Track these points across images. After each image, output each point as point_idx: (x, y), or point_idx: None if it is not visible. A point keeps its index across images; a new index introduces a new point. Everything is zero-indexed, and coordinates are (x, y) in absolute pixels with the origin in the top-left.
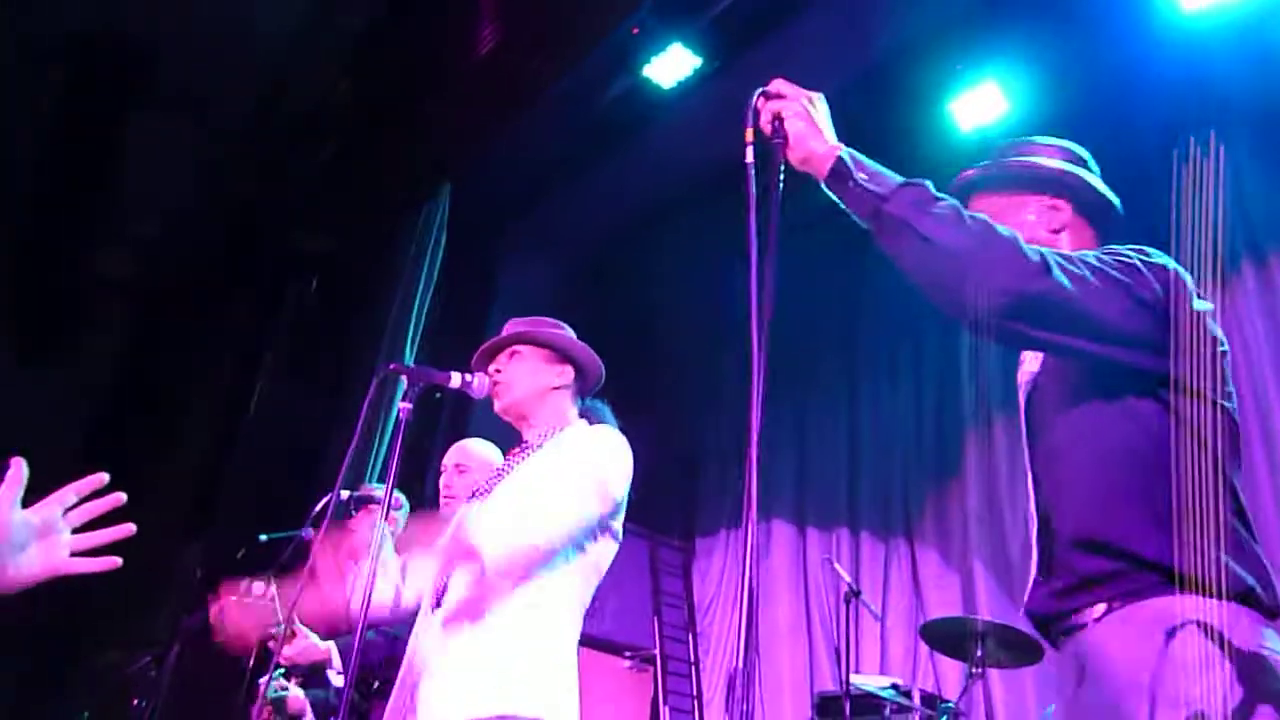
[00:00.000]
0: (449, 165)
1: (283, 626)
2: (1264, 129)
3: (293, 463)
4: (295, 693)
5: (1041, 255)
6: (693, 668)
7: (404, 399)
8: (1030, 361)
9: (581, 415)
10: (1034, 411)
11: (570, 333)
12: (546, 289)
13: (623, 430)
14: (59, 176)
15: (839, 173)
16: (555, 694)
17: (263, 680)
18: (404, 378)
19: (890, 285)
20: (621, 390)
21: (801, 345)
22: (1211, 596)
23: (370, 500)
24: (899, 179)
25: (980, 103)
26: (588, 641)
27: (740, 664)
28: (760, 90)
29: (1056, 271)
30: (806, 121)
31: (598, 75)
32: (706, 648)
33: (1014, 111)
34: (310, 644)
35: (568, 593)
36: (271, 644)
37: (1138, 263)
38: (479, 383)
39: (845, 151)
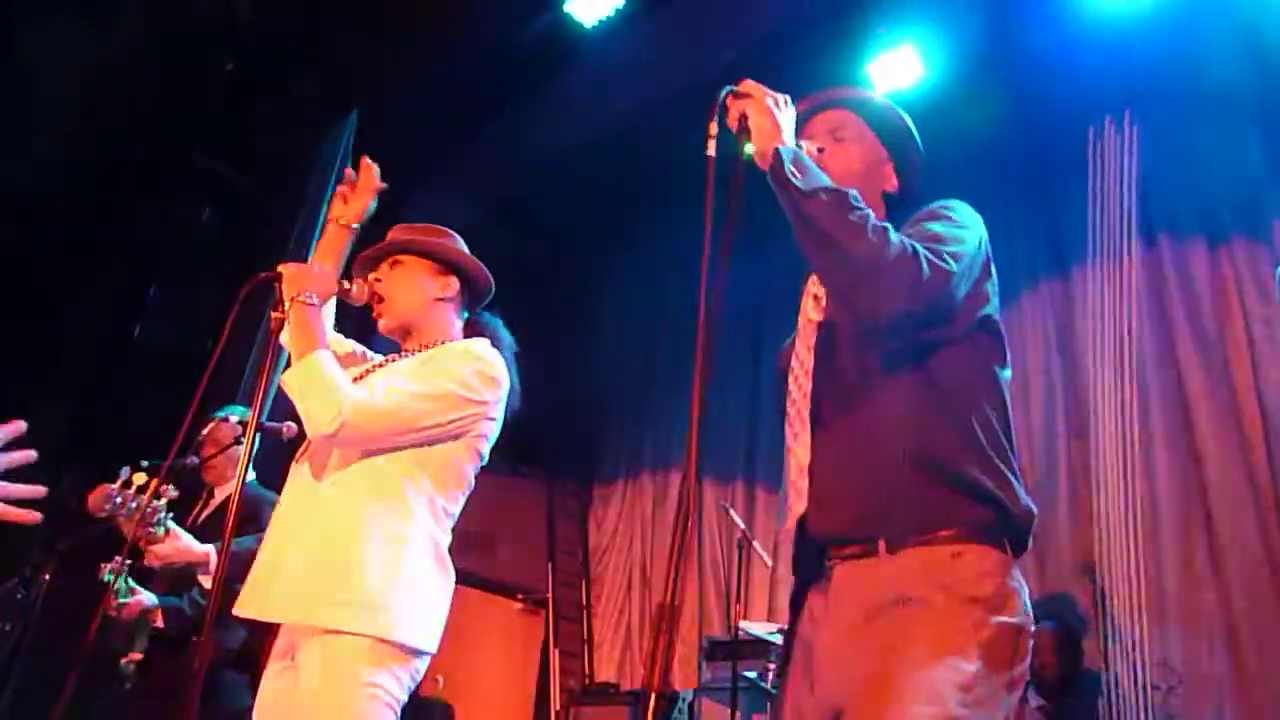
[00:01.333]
0: (356, 93)
1: (160, 522)
2: (1179, 107)
3: (180, 387)
4: (140, 596)
5: (934, 267)
6: (584, 612)
7: (274, 308)
8: (813, 309)
9: (469, 328)
10: (827, 352)
11: (460, 243)
12: (455, 227)
13: (522, 369)
14: None
15: (774, 166)
16: (396, 611)
17: (107, 566)
18: (276, 285)
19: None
20: (525, 334)
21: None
22: (983, 541)
23: (262, 430)
24: (825, 182)
25: (897, 66)
26: (480, 583)
27: (668, 598)
28: (729, 89)
29: (946, 282)
30: (770, 119)
31: (517, 7)
32: (599, 593)
33: (930, 77)
34: (185, 544)
35: (420, 495)
36: (143, 544)
37: (977, 239)
38: (358, 289)
39: (787, 149)
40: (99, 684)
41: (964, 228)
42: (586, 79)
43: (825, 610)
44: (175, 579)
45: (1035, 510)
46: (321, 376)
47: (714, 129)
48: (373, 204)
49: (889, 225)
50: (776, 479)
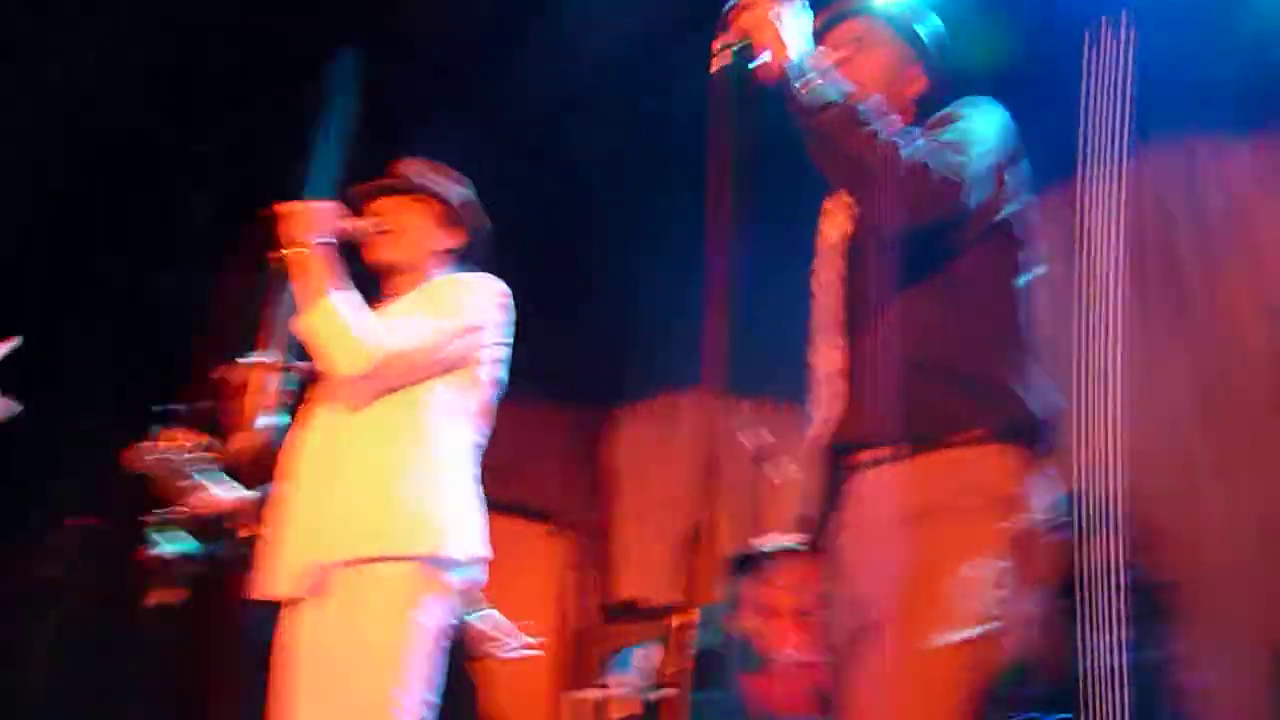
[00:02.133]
0: (356, 26)
1: (189, 475)
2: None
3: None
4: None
5: (944, 179)
6: (606, 533)
7: (274, 250)
8: (836, 222)
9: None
10: (852, 262)
11: (472, 193)
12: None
13: (540, 297)
14: None
15: (784, 82)
16: (440, 528)
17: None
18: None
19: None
20: (544, 259)
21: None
22: (1006, 440)
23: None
24: (833, 96)
25: None
26: (504, 507)
27: (701, 517)
28: (733, 1)
29: (955, 193)
30: (774, 31)
31: None
32: (620, 514)
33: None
34: (214, 496)
35: (447, 427)
36: (174, 496)
37: (994, 140)
38: (361, 226)
39: (793, 64)
40: (137, 626)
41: (978, 131)
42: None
43: (851, 519)
44: (208, 529)
45: (1061, 405)
46: (341, 320)
47: (720, 44)
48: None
49: (898, 139)
50: (792, 396)
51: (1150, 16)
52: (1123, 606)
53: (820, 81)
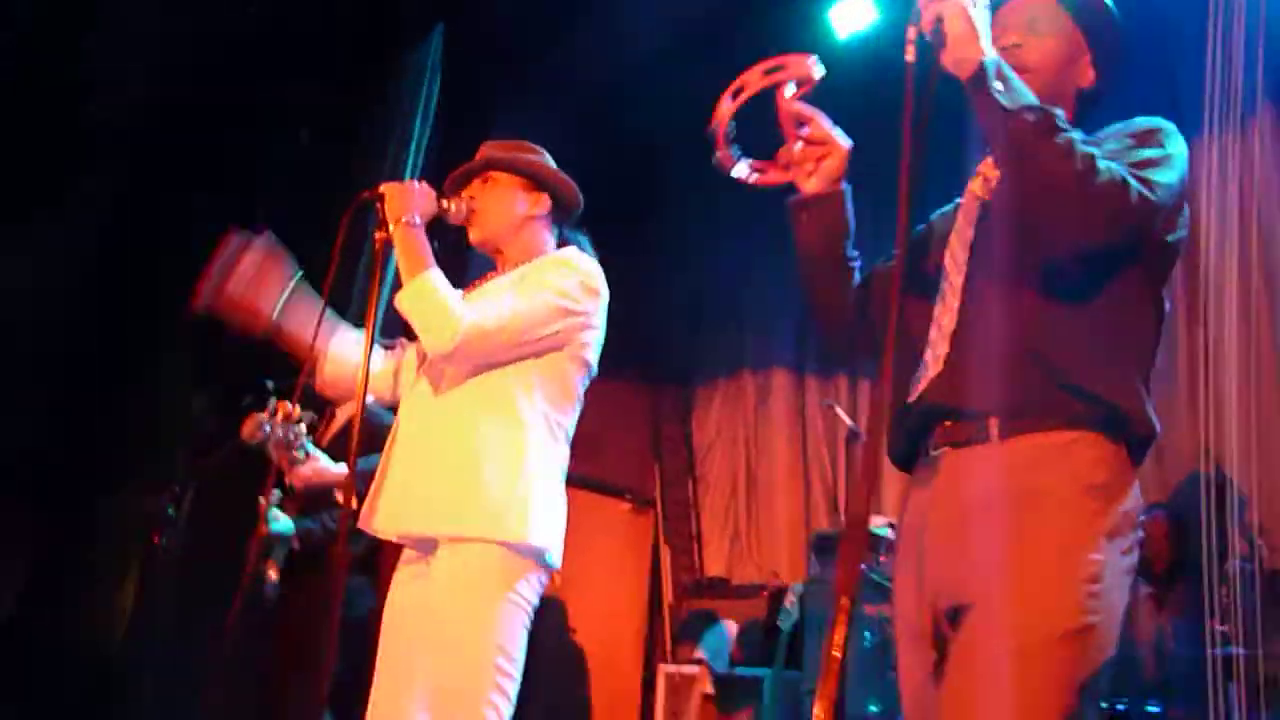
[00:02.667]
0: (440, 7)
1: (301, 446)
2: None
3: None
4: (280, 524)
5: (1141, 198)
6: (691, 510)
7: (378, 228)
8: (982, 187)
9: (560, 246)
10: (987, 231)
11: (548, 159)
12: (546, 135)
13: (621, 276)
14: (33, 20)
15: (977, 79)
16: (523, 515)
17: (261, 501)
18: (379, 206)
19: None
20: (622, 237)
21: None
22: (1097, 431)
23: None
24: (1032, 100)
25: (854, 11)
26: (589, 484)
27: (855, 509)
28: None
29: (1151, 213)
30: (967, 23)
31: None
32: (704, 492)
33: (882, 19)
34: (324, 466)
35: (534, 409)
36: (287, 467)
37: (1181, 168)
38: (455, 208)
39: (990, 60)
40: (242, 601)
41: (1178, 158)
42: None
43: (934, 501)
44: (308, 502)
45: (1159, 430)
46: (435, 297)
47: (912, 33)
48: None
49: (1095, 150)
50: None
51: None
52: (1234, 597)
53: (1015, 83)
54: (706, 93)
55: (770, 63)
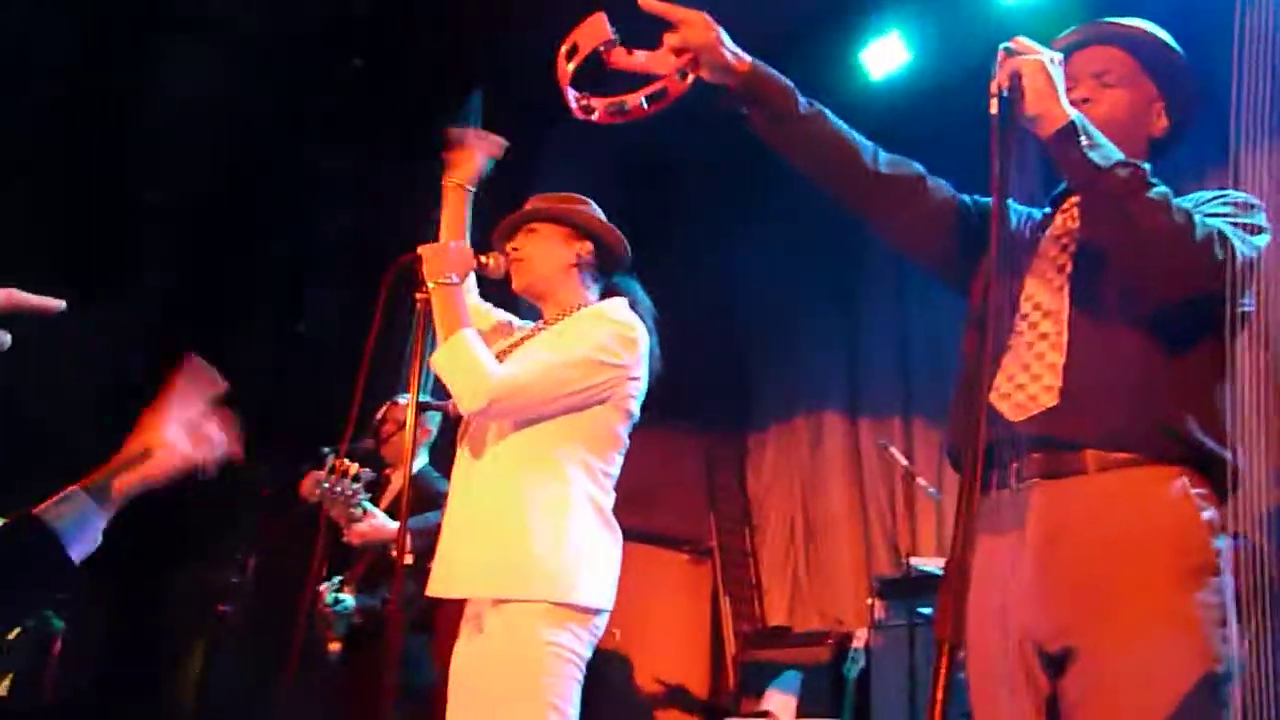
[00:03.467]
0: (475, 73)
1: (359, 503)
2: None
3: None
4: (343, 604)
5: (1229, 249)
6: (750, 559)
7: (418, 289)
8: (1067, 212)
9: (607, 294)
10: (1088, 265)
11: (595, 209)
12: (585, 188)
13: (670, 322)
14: (80, 112)
15: (1067, 136)
16: (569, 575)
17: (322, 588)
18: (417, 267)
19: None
20: (672, 289)
21: (850, 234)
22: (1190, 468)
23: (427, 407)
24: (1120, 156)
25: (886, 52)
26: (646, 537)
27: (959, 553)
28: (1004, 45)
29: (1246, 262)
30: (1045, 80)
31: None
32: (762, 540)
33: (915, 60)
34: (381, 523)
35: (575, 460)
36: (345, 524)
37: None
38: (494, 263)
39: (1079, 118)
40: (304, 669)
41: (1264, 231)
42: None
43: (1024, 535)
44: (368, 580)
45: (1242, 473)
46: (468, 355)
47: (995, 88)
48: (487, 164)
49: (1188, 206)
50: (933, 414)
51: None
52: None
53: (1100, 140)
54: (751, 139)
55: (566, 44)
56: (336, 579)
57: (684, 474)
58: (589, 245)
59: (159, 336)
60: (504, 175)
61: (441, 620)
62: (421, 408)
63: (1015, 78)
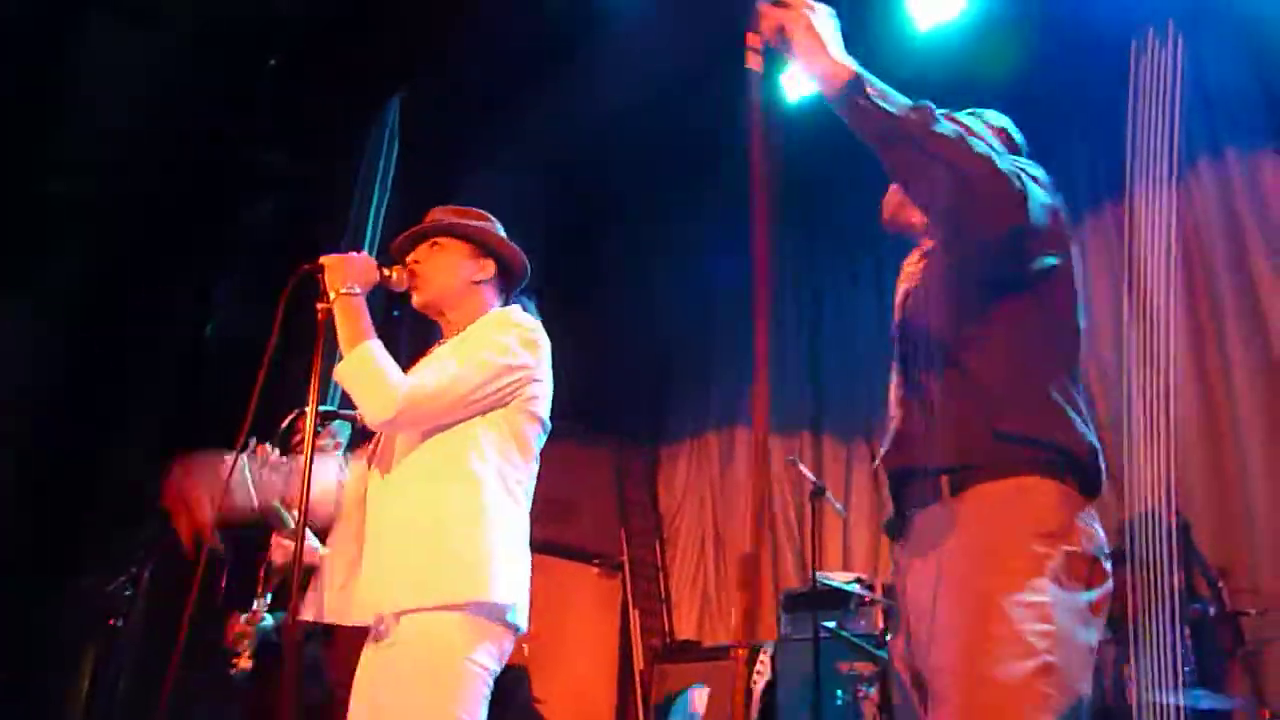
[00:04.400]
0: (397, 76)
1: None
2: (1228, 18)
3: (254, 382)
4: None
5: (1020, 183)
6: (660, 572)
7: (320, 299)
8: (911, 264)
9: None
10: (915, 305)
11: (498, 226)
12: (504, 199)
13: (584, 338)
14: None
15: (851, 89)
16: (482, 571)
17: (256, 607)
18: (320, 277)
19: (850, 190)
20: (589, 303)
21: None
22: (1046, 476)
23: (335, 416)
24: (907, 100)
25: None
26: (557, 550)
27: (750, 550)
28: None
29: (1030, 201)
30: (813, 36)
31: None
32: (673, 554)
33: (973, 5)
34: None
35: (488, 468)
36: (275, 531)
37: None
38: (397, 276)
39: (860, 69)
40: (205, 682)
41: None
42: (621, 43)
43: (908, 562)
44: (279, 596)
45: (1099, 448)
46: (372, 366)
47: (752, 40)
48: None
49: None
50: (842, 431)
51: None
52: (1180, 640)
53: (885, 86)
54: (668, 152)
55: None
56: (268, 597)
57: (595, 486)
58: (492, 264)
59: (64, 343)
60: (424, 181)
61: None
62: (329, 417)
63: (781, 33)
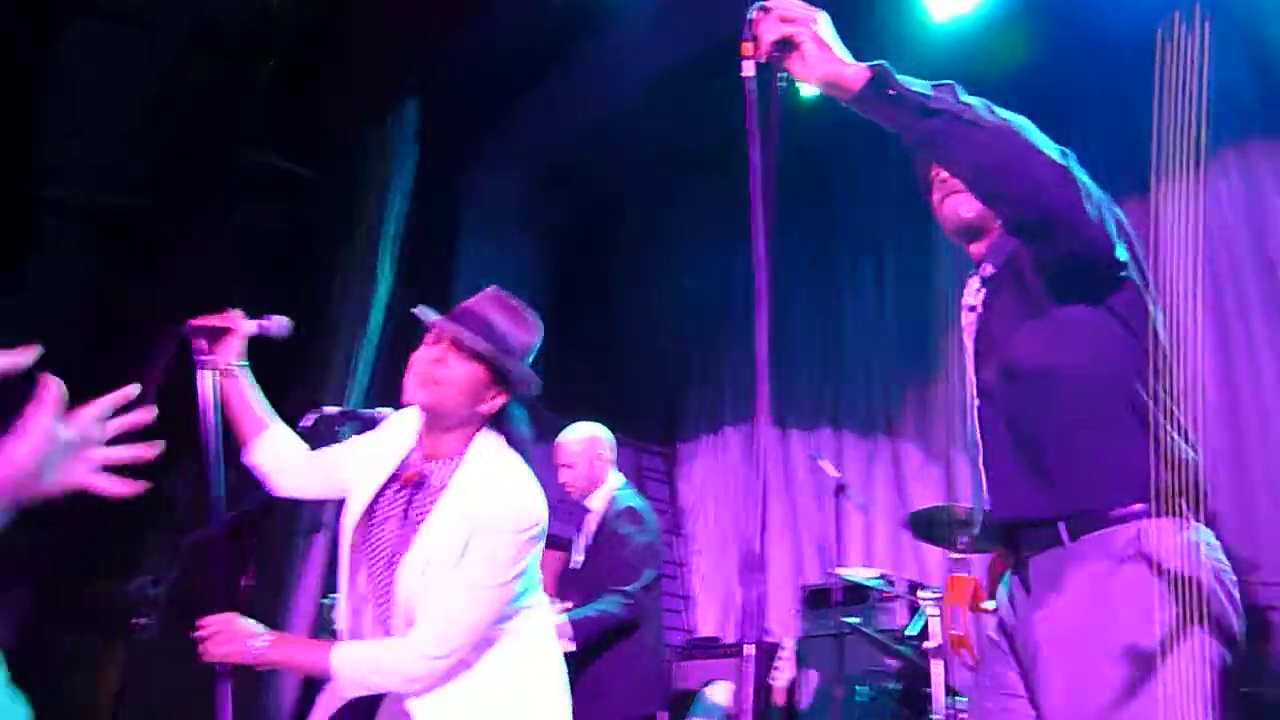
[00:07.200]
0: (413, 77)
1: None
2: (1256, 4)
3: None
4: None
5: (1064, 158)
6: (680, 569)
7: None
8: (971, 294)
9: (495, 424)
10: (985, 336)
11: (537, 335)
12: (512, 197)
13: (600, 340)
14: None
15: (878, 85)
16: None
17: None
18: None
19: (864, 187)
20: (601, 299)
21: (778, 246)
22: (1163, 516)
23: (354, 417)
24: (925, 84)
25: None
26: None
27: (756, 546)
28: (758, 4)
29: (1075, 179)
30: (819, 44)
31: None
32: (694, 550)
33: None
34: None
35: (515, 646)
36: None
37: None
38: (276, 326)
39: (887, 65)
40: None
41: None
42: (626, 37)
43: (1026, 604)
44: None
45: (1199, 461)
46: (380, 673)
47: (748, 49)
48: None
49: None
50: (861, 427)
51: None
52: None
53: (904, 78)
54: (682, 150)
55: None
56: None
57: None
58: (502, 399)
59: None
60: (436, 188)
61: None
62: (344, 417)
63: (784, 43)
